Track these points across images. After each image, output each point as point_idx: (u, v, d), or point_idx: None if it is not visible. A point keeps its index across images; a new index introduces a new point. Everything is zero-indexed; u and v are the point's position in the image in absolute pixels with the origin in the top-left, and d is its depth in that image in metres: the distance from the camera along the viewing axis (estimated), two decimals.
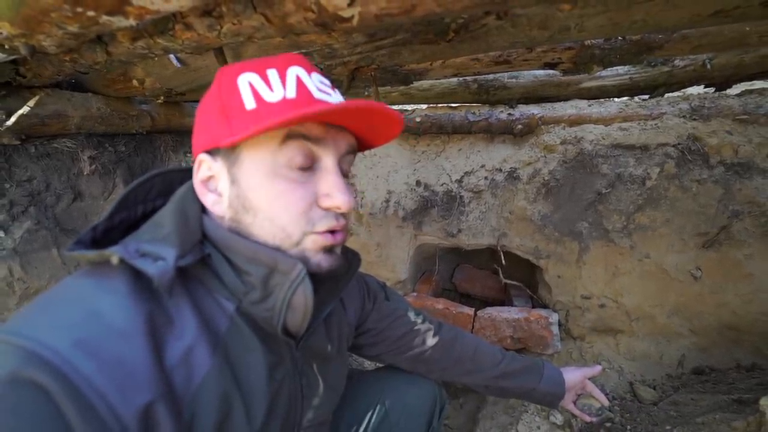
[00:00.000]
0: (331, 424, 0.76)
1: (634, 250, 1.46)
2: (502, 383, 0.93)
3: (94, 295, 0.42)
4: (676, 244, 1.41)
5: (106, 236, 0.51)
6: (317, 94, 0.50)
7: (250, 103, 0.48)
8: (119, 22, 0.58)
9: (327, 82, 0.53)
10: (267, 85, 0.48)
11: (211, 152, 0.52)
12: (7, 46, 0.70)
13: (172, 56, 0.94)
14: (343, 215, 0.53)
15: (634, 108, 1.42)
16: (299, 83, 0.49)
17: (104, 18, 0.57)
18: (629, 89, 1.44)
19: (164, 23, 0.66)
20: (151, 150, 1.52)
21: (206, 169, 0.52)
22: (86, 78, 1.16)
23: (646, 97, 1.48)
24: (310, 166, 0.50)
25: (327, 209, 0.51)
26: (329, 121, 0.50)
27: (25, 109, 1.04)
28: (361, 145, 0.59)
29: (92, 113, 1.19)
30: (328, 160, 0.51)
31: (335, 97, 0.52)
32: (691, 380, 1.41)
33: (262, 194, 0.49)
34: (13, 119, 1.02)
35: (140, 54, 0.78)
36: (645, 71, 1.35)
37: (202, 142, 0.52)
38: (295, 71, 0.50)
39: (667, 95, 1.43)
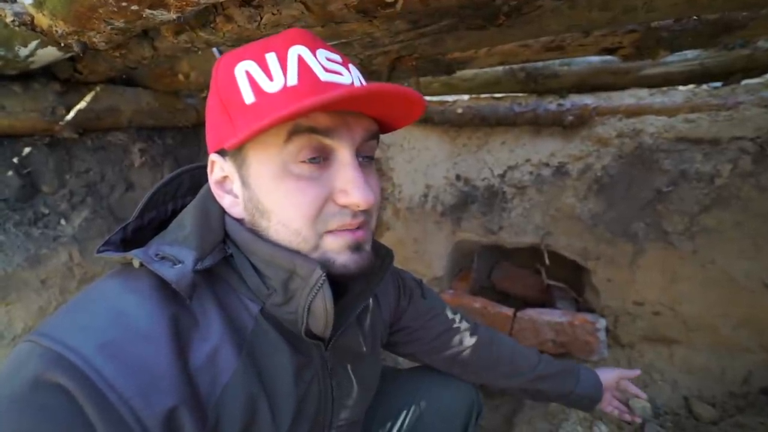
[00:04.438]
0: (363, 423, 0.75)
1: (696, 254, 1.33)
2: (539, 386, 0.89)
3: (119, 297, 0.42)
4: (748, 250, 1.27)
5: (136, 236, 0.50)
6: (324, 76, 0.44)
7: (249, 97, 0.43)
8: (161, 15, 0.58)
9: (337, 58, 0.47)
10: (266, 73, 0.43)
11: (221, 152, 0.48)
12: (62, 44, 0.73)
13: (215, 50, 0.95)
14: (364, 212, 0.47)
15: (703, 97, 1.28)
16: (302, 65, 0.43)
17: (147, 12, 0.57)
18: (699, 76, 1.29)
19: (205, 16, 0.66)
20: (197, 143, 1.57)
21: (219, 170, 0.49)
22: (136, 73, 1.20)
23: (719, 84, 1.33)
24: (322, 161, 0.45)
25: (344, 206, 0.46)
26: (337, 109, 0.44)
27: (82, 104, 1.10)
28: (382, 126, 0.52)
29: (142, 107, 1.25)
30: (343, 152, 0.45)
31: (347, 76, 0.46)
32: (759, 401, 1.27)
33: (272, 197, 0.45)
34: (72, 114, 1.08)
35: (184, 48, 0.79)
36: (719, 55, 1.20)
37: (212, 142, 0.49)
38: (296, 51, 0.44)
39: (744, 82, 1.27)
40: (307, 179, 0.45)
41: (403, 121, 0.51)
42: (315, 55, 0.45)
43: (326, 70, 0.44)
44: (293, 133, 0.43)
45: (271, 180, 0.45)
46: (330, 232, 0.46)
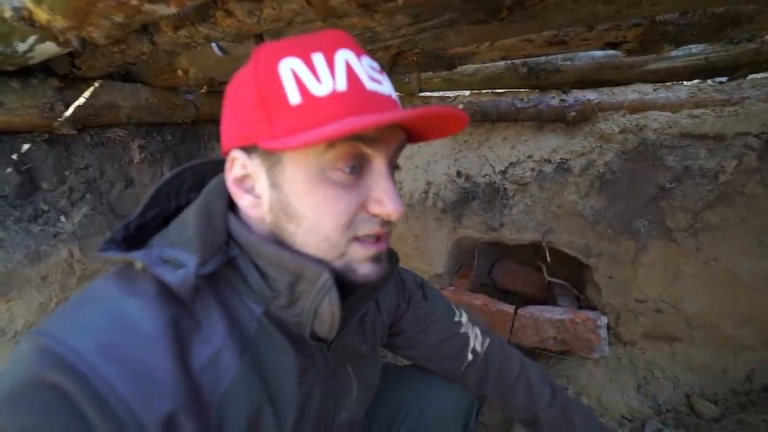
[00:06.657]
0: (365, 421, 0.75)
1: (699, 251, 1.32)
2: None
3: (120, 299, 0.42)
4: (752, 248, 1.26)
5: (139, 232, 0.50)
6: (369, 85, 0.43)
7: (294, 97, 0.41)
8: (161, 9, 0.58)
9: (376, 66, 0.47)
10: (313, 74, 0.41)
11: (246, 149, 0.46)
12: (61, 39, 0.73)
13: (214, 45, 0.94)
14: (390, 221, 0.48)
15: (708, 92, 1.27)
16: (349, 71, 0.42)
17: (147, 6, 0.57)
18: (704, 71, 1.28)
19: (205, 10, 0.65)
20: (196, 139, 1.56)
21: (240, 167, 0.46)
22: (135, 69, 1.20)
23: (724, 79, 1.31)
24: (359, 169, 0.45)
25: (375, 215, 0.46)
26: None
27: (81, 100, 1.09)
28: (411, 136, 0.52)
29: (141, 103, 1.24)
30: (379, 163, 0.46)
31: (386, 85, 0.46)
32: (761, 399, 1.27)
33: (306, 201, 0.44)
34: (71, 110, 1.07)
35: (183, 43, 0.79)
36: (725, 50, 1.18)
37: (236, 136, 0.46)
38: (344, 56, 0.43)
39: (750, 77, 1.26)
40: (343, 187, 0.45)
41: (437, 135, 0.51)
42: (360, 62, 0.44)
43: (371, 78, 0.44)
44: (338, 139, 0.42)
45: (307, 184, 0.44)
46: (357, 239, 0.47)
